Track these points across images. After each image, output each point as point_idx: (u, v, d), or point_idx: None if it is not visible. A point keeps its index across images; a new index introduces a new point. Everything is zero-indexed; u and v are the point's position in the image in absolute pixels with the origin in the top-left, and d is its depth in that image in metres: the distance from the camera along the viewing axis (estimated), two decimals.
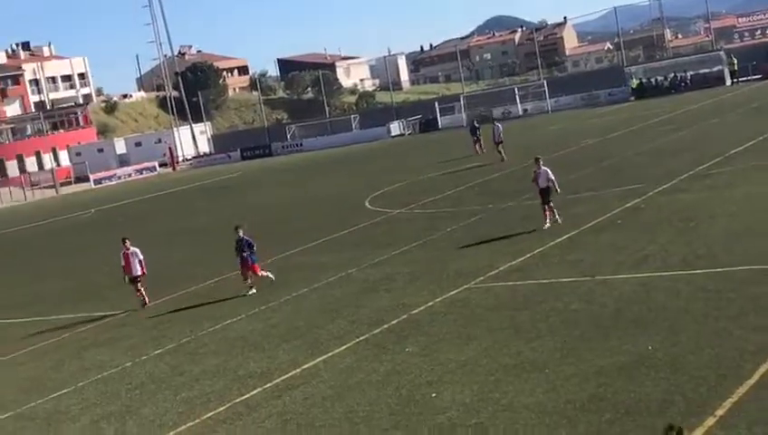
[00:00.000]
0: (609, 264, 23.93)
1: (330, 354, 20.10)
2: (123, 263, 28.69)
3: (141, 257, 28.55)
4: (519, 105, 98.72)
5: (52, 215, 68.08)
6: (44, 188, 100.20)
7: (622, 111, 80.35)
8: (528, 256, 26.48)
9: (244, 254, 27.54)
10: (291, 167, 78.35)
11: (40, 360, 24.14)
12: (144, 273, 28.63)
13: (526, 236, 29.32)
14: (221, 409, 17.82)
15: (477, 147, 60.10)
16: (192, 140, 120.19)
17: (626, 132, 58.45)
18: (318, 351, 20.44)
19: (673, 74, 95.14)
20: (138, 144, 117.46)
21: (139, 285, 28.49)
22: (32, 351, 25.31)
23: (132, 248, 28.62)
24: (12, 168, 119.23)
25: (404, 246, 30.87)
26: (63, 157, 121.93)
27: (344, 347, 20.38)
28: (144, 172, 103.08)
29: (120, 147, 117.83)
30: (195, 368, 20.83)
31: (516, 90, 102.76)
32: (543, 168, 30.46)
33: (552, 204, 30.28)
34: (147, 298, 28.56)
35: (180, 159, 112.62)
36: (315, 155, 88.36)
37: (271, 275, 28.04)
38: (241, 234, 27.75)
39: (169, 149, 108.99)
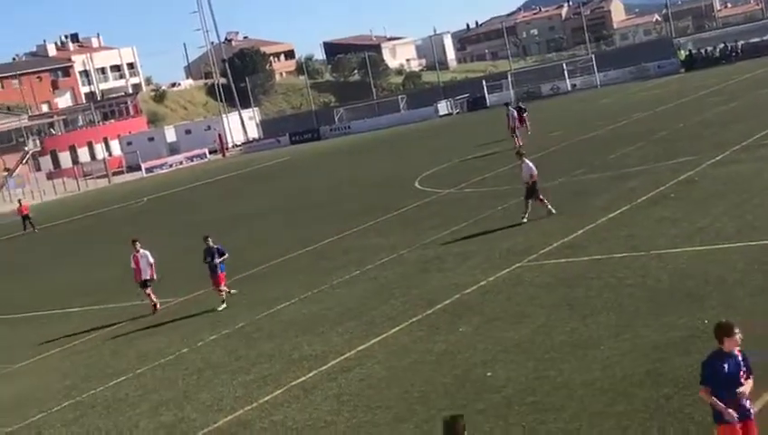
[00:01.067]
0: (663, 238, 23.70)
1: (384, 336, 20.16)
2: (133, 265, 27.52)
3: (152, 261, 27.38)
4: (567, 80, 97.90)
5: (106, 204, 68.85)
6: (97, 178, 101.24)
7: (672, 83, 79.39)
8: (580, 232, 26.31)
9: (214, 262, 26.23)
10: (339, 150, 78.48)
11: (98, 348, 24.49)
12: (153, 276, 27.32)
13: (578, 213, 29.12)
14: (277, 392, 17.95)
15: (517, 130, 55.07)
16: (241, 126, 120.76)
17: (676, 105, 57.75)
18: (372, 332, 20.51)
19: (723, 45, 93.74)
20: (187, 132, 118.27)
21: (148, 289, 27.33)
22: (90, 339, 25.68)
23: (143, 251, 27.47)
24: (65, 159, 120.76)
25: (455, 226, 30.81)
26: (115, 146, 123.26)
27: (398, 328, 20.42)
28: (194, 159, 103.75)
29: (171, 135, 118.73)
30: (250, 352, 21.01)
31: (564, 65, 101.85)
32: (526, 162, 29.86)
33: (541, 196, 29.58)
34: (157, 302, 27.37)
35: (230, 145, 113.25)
36: (363, 137, 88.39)
37: (232, 290, 26.79)
38: (210, 243, 26.52)
39: (219, 135, 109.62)
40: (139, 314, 27.35)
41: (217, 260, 26.26)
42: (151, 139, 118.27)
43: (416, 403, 15.86)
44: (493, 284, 22.76)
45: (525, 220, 29.13)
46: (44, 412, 19.81)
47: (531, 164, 29.75)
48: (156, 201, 64.95)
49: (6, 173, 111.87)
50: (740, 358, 10.09)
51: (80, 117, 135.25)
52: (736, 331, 10.07)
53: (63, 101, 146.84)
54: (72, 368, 23.18)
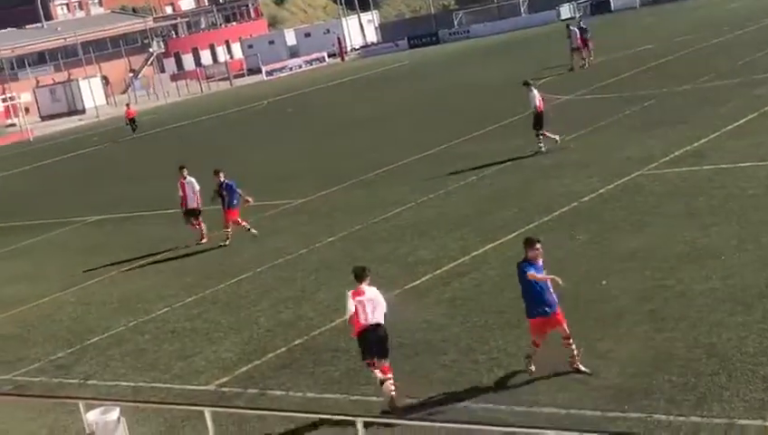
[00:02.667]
0: None
1: (499, 242, 20.15)
2: (180, 193, 26.01)
3: (198, 188, 25.70)
4: None
5: (228, 107, 69.85)
6: (219, 80, 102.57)
7: None
8: (704, 140, 25.66)
9: (228, 198, 24.82)
10: (458, 54, 77.65)
11: (219, 247, 25.04)
12: (199, 205, 25.75)
13: (702, 120, 28.36)
14: (390, 295, 18.15)
15: (576, 54, 49.62)
16: (360, 29, 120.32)
17: None
18: (487, 238, 20.51)
19: None
20: (307, 35, 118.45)
21: (196, 219, 25.97)
22: (211, 238, 26.28)
23: (189, 178, 25.79)
24: (188, 61, 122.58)
25: (574, 133, 30.35)
26: (236, 49, 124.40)
27: (513, 235, 20.36)
28: (313, 63, 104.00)
29: (291, 38, 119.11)
30: (366, 255, 21.24)
31: None
32: (533, 91, 28.80)
33: (545, 131, 28.53)
34: (204, 233, 25.85)
35: (348, 49, 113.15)
36: (483, 41, 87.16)
37: (253, 231, 25.05)
38: (222, 178, 25.07)
39: (338, 39, 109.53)
40: (258, 215, 27.84)
41: (228, 198, 24.78)
42: (271, 42, 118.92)
43: None
44: (612, 192, 22.45)
45: (543, 148, 28.49)
46: (168, 307, 20.50)
47: (536, 93, 28.78)
48: (276, 104, 65.58)
49: (132, 74, 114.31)
50: (540, 263, 13.04)
51: (202, 19, 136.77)
52: (538, 245, 13.06)
53: (187, 3, 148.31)
54: (193, 266, 23.85)
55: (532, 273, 12.94)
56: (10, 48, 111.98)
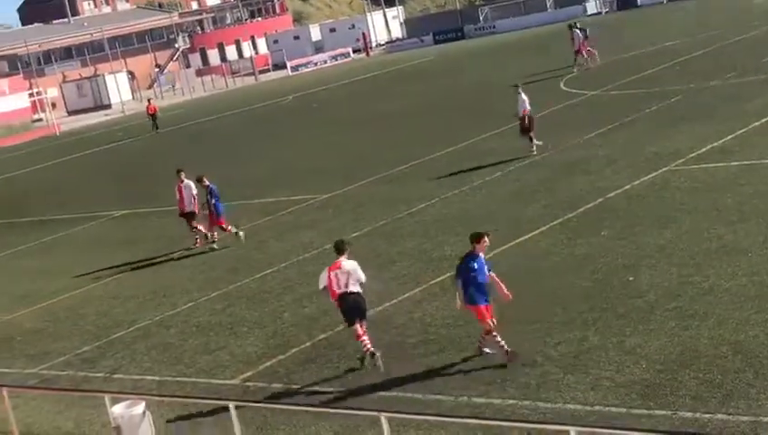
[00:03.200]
0: None
1: (524, 238, 20.09)
2: (177, 196, 25.63)
3: (195, 192, 25.22)
4: None
5: (253, 102, 70.00)
6: (244, 75, 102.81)
7: None
8: (731, 136, 25.49)
9: (213, 203, 24.62)
10: (484, 50, 77.46)
11: (245, 242, 25.08)
12: (196, 210, 25.23)
13: (728, 117, 28.17)
14: (416, 290, 18.19)
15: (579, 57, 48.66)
16: (385, 25, 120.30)
17: None
18: (512, 234, 20.45)
19: None
20: (332, 30, 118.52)
21: (194, 222, 25.47)
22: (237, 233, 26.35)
23: (186, 181, 25.33)
24: (213, 56, 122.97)
25: (600, 129, 30.23)
26: (261, 45, 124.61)
27: (538, 231, 20.32)
28: (339, 58, 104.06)
29: (316, 34, 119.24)
30: (391, 250, 21.26)
31: None
32: (522, 95, 28.61)
33: (531, 134, 28.44)
34: (200, 239, 25.44)
35: (374, 44, 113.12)
36: (509, 37, 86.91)
37: (241, 234, 24.92)
38: (206, 182, 24.86)
39: (363, 34, 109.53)
40: (281, 211, 27.90)
41: (212, 202, 24.62)
42: (297, 37, 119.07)
43: (555, 306, 15.85)
44: (638, 188, 22.35)
45: (534, 152, 28.34)
46: (193, 302, 20.58)
47: (525, 97, 28.57)
48: (301, 99, 65.66)
49: (158, 69, 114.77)
50: (482, 257, 14.22)
51: (228, 14, 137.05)
52: (485, 239, 14.31)
53: None
54: (219, 260, 23.92)
55: (492, 274, 14.38)
56: (37, 43, 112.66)
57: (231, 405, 12.16)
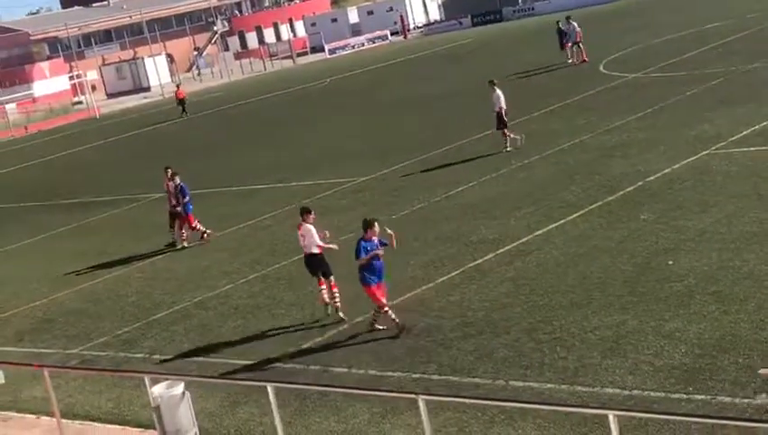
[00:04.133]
0: None
1: (562, 221, 20.01)
2: (166, 190, 25.28)
3: (184, 191, 24.91)
4: None
5: (291, 85, 70.07)
6: (282, 58, 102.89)
7: None
8: None
9: (184, 201, 24.69)
10: (522, 32, 76.97)
11: (282, 224, 25.22)
12: (182, 212, 24.78)
13: None
14: (454, 273, 18.17)
15: (568, 50, 48.12)
16: (423, 7, 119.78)
17: None
18: (550, 218, 20.38)
19: None
20: (370, 13, 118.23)
21: (174, 221, 25.27)
22: (275, 215, 26.48)
23: (177, 180, 24.89)
24: (251, 39, 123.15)
25: (640, 112, 29.98)
26: (299, 27, 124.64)
27: (577, 214, 20.23)
28: (376, 41, 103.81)
29: (353, 16, 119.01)
30: (429, 233, 21.24)
31: None
32: (497, 91, 28.30)
33: (506, 130, 28.22)
34: (181, 239, 24.95)
35: (411, 26, 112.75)
36: (547, 19, 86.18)
37: (208, 232, 25.12)
38: (178, 181, 24.84)
39: (401, 17, 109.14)
40: (318, 194, 27.95)
41: (184, 201, 24.70)
42: (334, 20, 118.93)
43: (594, 290, 15.78)
44: (678, 171, 22.16)
45: (509, 148, 28.13)
46: (231, 284, 20.70)
47: (500, 93, 28.31)
48: (339, 82, 65.65)
49: (196, 52, 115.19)
50: (376, 241, 15.92)
51: None
52: (375, 225, 16.03)
53: None
54: (256, 242, 24.03)
55: (375, 251, 15.95)
56: (77, 27, 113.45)
57: (269, 386, 12.23)
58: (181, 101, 62.04)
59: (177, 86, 66.38)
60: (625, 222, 19.07)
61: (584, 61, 45.83)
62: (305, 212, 17.76)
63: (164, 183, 25.71)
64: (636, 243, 17.66)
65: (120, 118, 72.09)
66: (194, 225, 25.05)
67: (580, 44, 46.82)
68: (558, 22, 50.61)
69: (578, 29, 47.12)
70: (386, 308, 15.74)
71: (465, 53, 68.61)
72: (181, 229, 25.10)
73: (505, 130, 28.44)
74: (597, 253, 17.60)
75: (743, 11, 52.22)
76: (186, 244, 25.00)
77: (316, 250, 17.42)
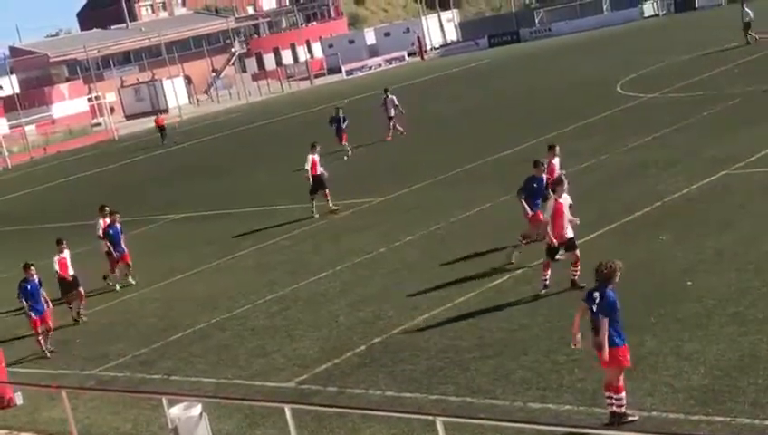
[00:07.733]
0: None
1: (580, 242, 19.90)
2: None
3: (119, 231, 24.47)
4: None
5: (308, 106, 70.25)
6: (299, 79, 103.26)
7: None
8: None
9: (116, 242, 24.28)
10: (539, 52, 77.05)
11: (300, 244, 25.26)
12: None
13: None
14: (471, 294, 18.13)
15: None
16: (440, 28, 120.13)
17: None
18: None
19: None
20: (387, 34, 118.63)
21: (111, 257, 24.44)
22: (292, 236, 26.50)
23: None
24: (269, 60, 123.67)
25: (657, 132, 29.92)
26: (316, 49, 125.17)
27: (595, 234, 20.16)
28: (393, 62, 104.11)
29: (370, 37, 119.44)
30: (446, 255, 21.20)
31: None
32: (390, 96, 28.20)
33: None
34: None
35: (428, 47, 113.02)
36: (564, 40, 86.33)
37: (130, 279, 24.67)
38: (116, 220, 24.46)
39: (418, 38, 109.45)
40: (337, 215, 27.97)
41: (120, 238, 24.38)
42: (351, 41, 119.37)
43: None
44: (697, 191, 22.09)
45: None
46: (249, 305, 20.70)
47: (393, 97, 28.71)
48: (356, 103, 65.77)
49: (214, 74, 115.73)
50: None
51: (283, 19, 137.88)
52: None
53: (268, 3, 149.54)
54: (273, 264, 24.05)
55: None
56: (96, 49, 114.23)
57: (287, 408, 12.21)
58: (161, 129, 62.22)
59: (157, 114, 65.98)
60: (643, 242, 19.01)
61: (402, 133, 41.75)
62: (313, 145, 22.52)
63: (100, 220, 24.95)
64: (654, 263, 17.59)
65: (138, 139, 72.28)
66: (129, 263, 24.58)
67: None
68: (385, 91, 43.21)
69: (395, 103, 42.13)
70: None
71: (482, 74, 68.68)
72: (113, 271, 24.55)
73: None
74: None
75: (759, 32, 52.05)
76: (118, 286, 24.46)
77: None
